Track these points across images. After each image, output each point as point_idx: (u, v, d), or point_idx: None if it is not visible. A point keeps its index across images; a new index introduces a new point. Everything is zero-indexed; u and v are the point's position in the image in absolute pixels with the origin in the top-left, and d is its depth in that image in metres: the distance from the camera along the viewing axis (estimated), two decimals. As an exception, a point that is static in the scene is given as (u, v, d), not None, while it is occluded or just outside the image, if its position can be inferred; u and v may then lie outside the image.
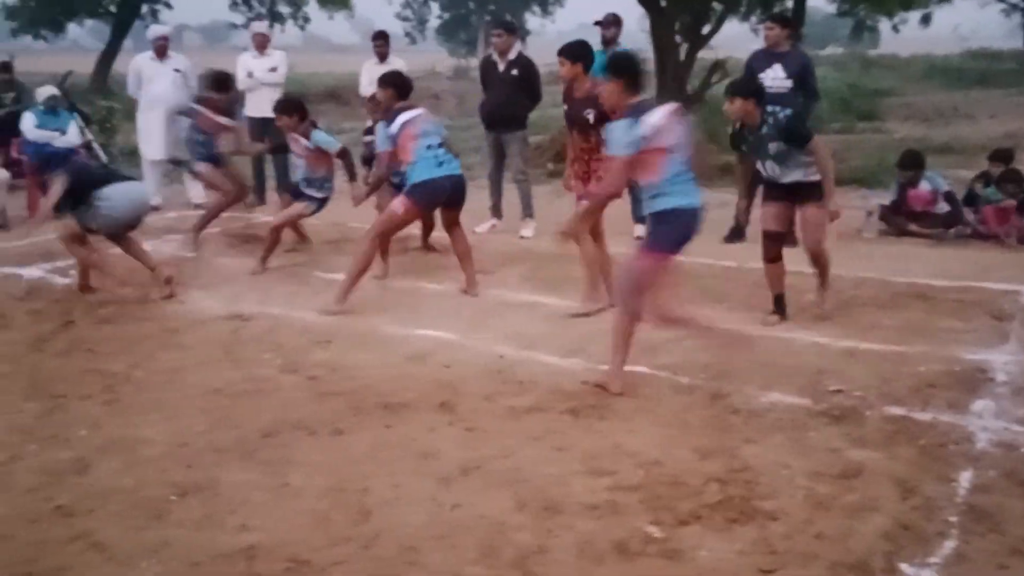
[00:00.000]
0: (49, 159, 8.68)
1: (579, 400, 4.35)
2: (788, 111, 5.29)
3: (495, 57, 8.32)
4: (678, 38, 13.62)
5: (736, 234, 7.65)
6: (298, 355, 4.97)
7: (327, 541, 3.15)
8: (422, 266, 7.04)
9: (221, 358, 5.00)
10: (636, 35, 19.38)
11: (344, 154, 6.71)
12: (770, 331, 5.36)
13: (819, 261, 5.58)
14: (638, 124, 4.24)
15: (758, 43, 9.01)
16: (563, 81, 5.96)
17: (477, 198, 9.20)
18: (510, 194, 8.46)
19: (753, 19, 18.67)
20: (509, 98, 8.15)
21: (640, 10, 13.40)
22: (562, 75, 5.84)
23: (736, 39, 21.60)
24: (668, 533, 3.18)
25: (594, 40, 6.85)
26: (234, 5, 30.88)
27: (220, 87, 7.78)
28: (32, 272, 6.91)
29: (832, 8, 16.86)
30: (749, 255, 7.09)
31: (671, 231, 4.37)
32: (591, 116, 5.58)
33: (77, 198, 6.01)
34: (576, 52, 5.67)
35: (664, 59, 13.29)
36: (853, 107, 17.89)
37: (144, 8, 27.68)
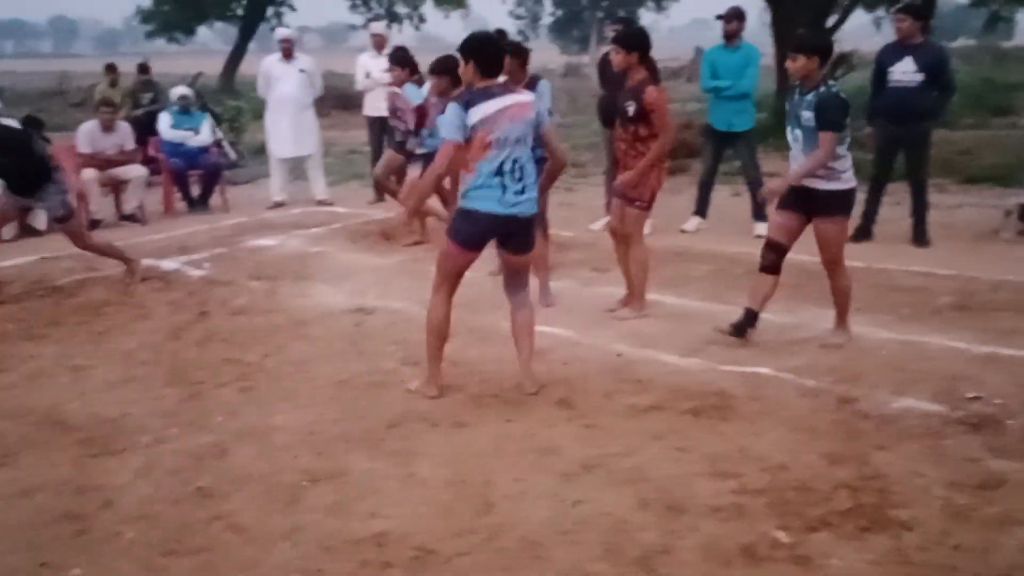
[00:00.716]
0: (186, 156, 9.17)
1: (700, 400, 4.30)
2: (835, 87, 4.86)
3: (613, 53, 8.28)
4: (801, 31, 13.28)
5: (863, 232, 7.42)
6: (420, 349, 5.05)
7: (452, 531, 3.21)
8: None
9: (347, 350, 5.14)
10: (756, 29, 18.97)
11: (421, 109, 7.04)
12: (901, 334, 5.17)
13: (837, 285, 5.09)
14: (467, 110, 4.09)
15: (882, 36, 8.70)
16: (617, 69, 5.68)
17: (594, 195, 9.25)
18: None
19: (880, 11, 18.02)
20: (626, 93, 8.12)
21: (761, 3, 13.11)
22: (616, 64, 5.58)
23: (862, 31, 20.87)
24: (796, 539, 3.12)
25: (712, 36, 6.73)
26: (353, 6, 31.64)
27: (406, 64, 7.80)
28: (169, 264, 7.25)
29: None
30: (879, 254, 6.89)
31: (465, 227, 4.24)
32: (631, 109, 5.37)
33: None
34: (632, 41, 5.47)
35: (786, 54, 12.96)
36: (986, 102, 17.05)
37: (269, 11, 28.67)
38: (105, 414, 4.29)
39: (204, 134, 9.65)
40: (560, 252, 7.22)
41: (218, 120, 12.53)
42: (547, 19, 49.16)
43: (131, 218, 9.11)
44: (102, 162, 8.96)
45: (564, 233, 7.97)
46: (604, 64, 8.52)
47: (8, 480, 3.64)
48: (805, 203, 4.91)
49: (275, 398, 4.47)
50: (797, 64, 4.84)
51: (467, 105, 4.09)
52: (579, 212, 9.09)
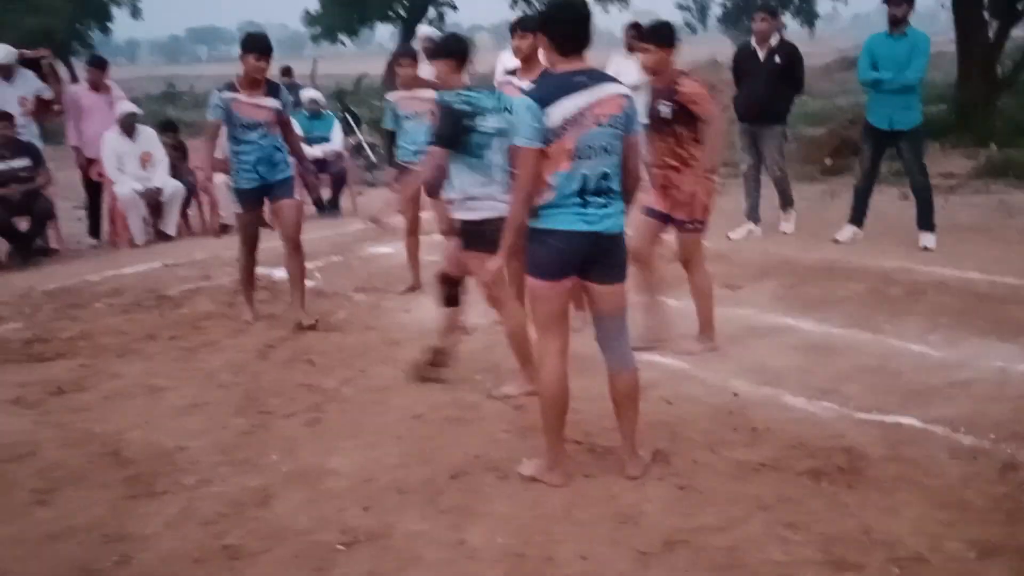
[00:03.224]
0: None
1: (823, 459, 3.58)
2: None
3: (754, 44, 7.53)
4: (986, 14, 11.88)
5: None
6: (511, 378, 4.54)
7: (493, 623, 2.69)
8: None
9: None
10: (937, 13, 17.34)
11: None
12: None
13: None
14: (544, 108, 3.27)
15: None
16: (647, 71, 4.79)
17: (736, 199, 8.48)
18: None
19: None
20: (769, 89, 7.37)
21: (940, -16, 11.84)
22: (646, 64, 4.71)
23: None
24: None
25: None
26: (513, 3, 31.44)
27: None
28: (281, 273, 7.04)
29: None
30: None
31: (542, 253, 3.38)
32: (667, 111, 4.62)
33: None
34: (664, 35, 4.67)
35: (969, 40, 11.65)
36: None
37: (431, 11, 28.89)
38: (162, 446, 4.01)
39: (335, 139, 9.50)
40: (688, 265, 6.54)
41: (358, 122, 12.48)
42: (716, 9, 47.46)
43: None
44: (232, 167, 8.93)
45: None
46: (743, 58, 7.76)
47: (42, 521, 3.39)
48: None
49: (340, 434, 4.07)
50: None
51: (544, 101, 3.22)
52: (719, 217, 8.31)
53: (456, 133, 4.06)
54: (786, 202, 7.77)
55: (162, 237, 8.66)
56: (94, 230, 8.87)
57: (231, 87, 5.48)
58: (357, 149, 11.57)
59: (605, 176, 3.32)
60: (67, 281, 7.13)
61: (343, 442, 3.98)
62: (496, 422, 4.11)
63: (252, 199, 5.71)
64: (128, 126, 8.47)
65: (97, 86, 8.77)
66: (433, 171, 4.25)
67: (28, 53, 9.05)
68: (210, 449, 3.96)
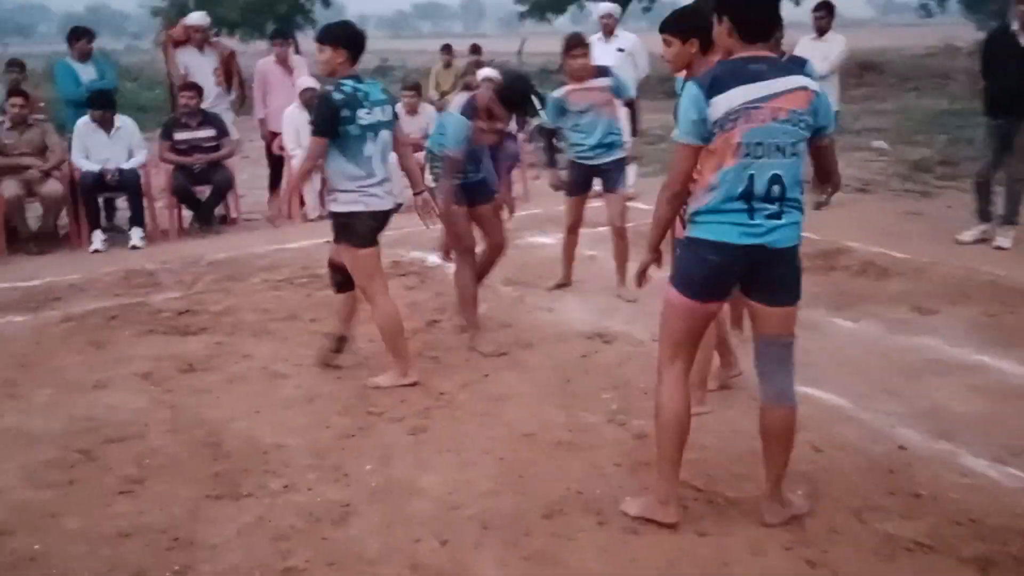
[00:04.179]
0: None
1: (999, 544, 2.91)
2: None
3: (1015, 27, 6.52)
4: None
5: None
6: (639, 400, 4.08)
7: None
8: (837, 293, 5.65)
9: (555, 390, 4.31)
10: None
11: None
12: None
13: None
14: (709, 97, 2.83)
15: None
16: (671, 69, 3.82)
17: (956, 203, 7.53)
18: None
19: None
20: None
21: None
22: (668, 58, 3.65)
23: None
24: None
25: None
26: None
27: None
28: (435, 259, 6.85)
29: None
30: None
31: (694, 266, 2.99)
32: None
33: None
34: (687, 25, 3.58)
35: None
36: None
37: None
38: (260, 441, 3.85)
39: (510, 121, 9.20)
40: (874, 280, 5.77)
41: (544, 104, 12.13)
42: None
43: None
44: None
45: (893, 253, 6.44)
46: (998, 43, 6.79)
47: (118, 515, 3.29)
48: None
49: (441, 446, 3.76)
50: None
51: (711, 90, 2.80)
52: (925, 225, 7.40)
53: (334, 123, 4.04)
54: (1009, 215, 6.76)
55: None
56: (273, 202, 9.05)
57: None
58: (539, 131, 11.25)
59: (777, 179, 2.84)
60: (234, 252, 7.26)
61: (441, 457, 3.67)
62: (609, 451, 3.66)
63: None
64: (308, 100, 8.53)
65: (284, 60, 8.91)
66: (312, 161, 4.20)
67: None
68: (305, 450, 3.75)
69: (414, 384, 4.33)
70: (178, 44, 8.66)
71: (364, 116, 4.08)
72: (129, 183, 7.73)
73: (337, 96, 4.04)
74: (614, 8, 9.39)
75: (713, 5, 2.94)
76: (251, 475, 3.55)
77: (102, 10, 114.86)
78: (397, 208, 4.46)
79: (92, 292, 6.22)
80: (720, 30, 2.91)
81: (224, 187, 8.27)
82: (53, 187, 7.56)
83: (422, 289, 6.10)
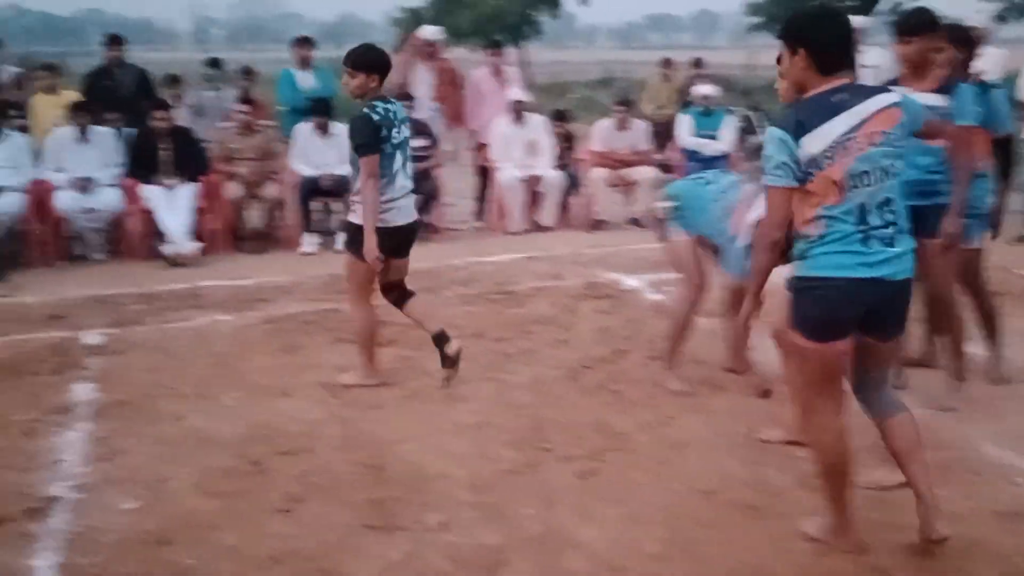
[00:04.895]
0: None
1: None
2: None
3: None
4: None
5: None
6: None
7: None
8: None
9: (742, 443, 3.89)
10: None
11: None
12: None
13: None
14: (798, 138, 2.72)
15: None
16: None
17: None
18: None
19: None
20: None
21: None
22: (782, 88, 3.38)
23: None
24: None
25: None
26: None
27: None
28: (631, 282, 6.55)
29: None
30: None
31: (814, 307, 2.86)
32: None
33: None
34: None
35: None
36: None
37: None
38: (424, 469, 3.71)
39: (724, 139, 8.74)
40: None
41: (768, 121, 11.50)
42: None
43: (636, 222, 8.62)
44: (613, 161, 8.61)
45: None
46: None
47: (272, 536, 3.23)
48: None
49: (609, 495, 3.46)
50: None
51: (798, 131, 2.69)
52: None
53: (377, 141, 4.23)
54: None
55: (539, 227, 8.58)
56: (480, 213, 9.07)
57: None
58: (756, 151, 10.65)
59: (887, 203, 2.76)
60: (433, 263, 7.26)
61: (608, 507, 3.37)
62: (798, 522, 3.22)
63: None
64: (517, 112, 8.47)
65: (497, 71, 8.90)
66: (376, 178, 4.26)
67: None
68: (468, 484, 3.57)
69: (379, 385, 4.54)
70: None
71: (395, 135, 4.32)
72: (343, 188, 7.95)
73: (376, 116, 4.24)
74: (863, 21, 8.63)
75: (785, 38, 2.82)
76: (409, 506, 3.41)
77: (350, 19, 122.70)
78: (415, 224, 4.62)
79: (295, 295, 6.39)
80: (794, 63, 2.79)
81: (431, 196, 8.35)
82: (272, 190, 7.91)
83: (614, 314, 5.81)
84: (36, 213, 7.46)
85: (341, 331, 5.49)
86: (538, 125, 8.63)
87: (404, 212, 4.45)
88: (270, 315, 5.85)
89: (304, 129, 7.98)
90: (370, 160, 4.25)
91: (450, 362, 4.53)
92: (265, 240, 8.01)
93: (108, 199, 7.57)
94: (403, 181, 4.41)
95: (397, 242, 4.47)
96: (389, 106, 4.33)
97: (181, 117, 8.21)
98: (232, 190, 7.78)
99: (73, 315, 5.98)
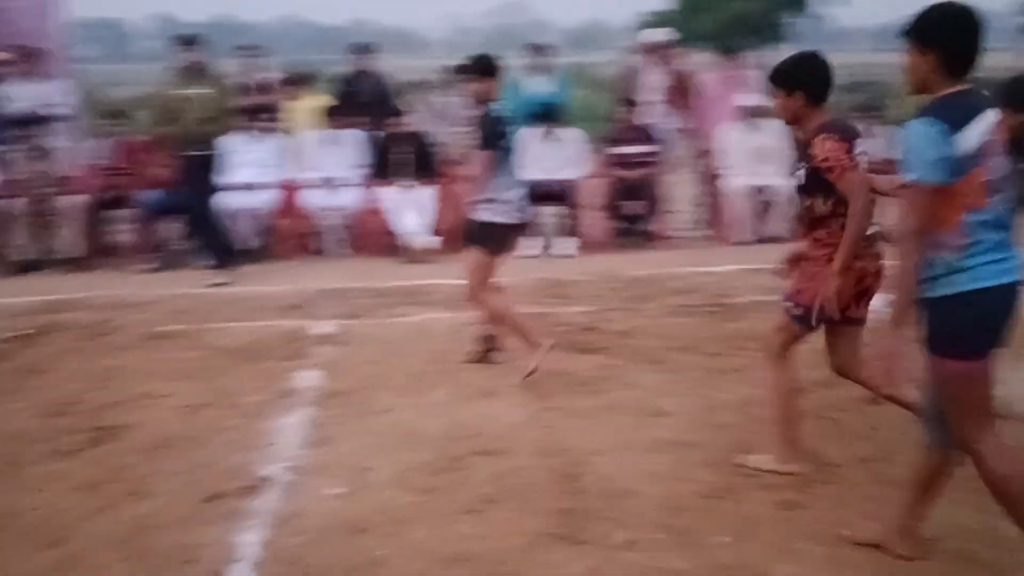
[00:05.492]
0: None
1: None
2: None
3: None
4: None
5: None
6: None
7: None
8: None
9: (975, 486, 3.49)
10: None
11: None
12: None
13: None
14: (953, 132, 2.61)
15: None
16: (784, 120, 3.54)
17: None
18: None
19: None
20: None
21: None
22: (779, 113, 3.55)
23: None
24: None
25: None
26: None
27: None
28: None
29: None
30: None
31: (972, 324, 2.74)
32: (801, 174, 3.42)
33: None
34: (790, 76, 3.44)
35: None
36: None
37: None
38: (618, 483, 3.62)
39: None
40: None
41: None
42: None
43: (881, 236, 8.03)
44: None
45: None
46: None
47: (461, 535, 3.26)
48: None
49: (811, 533, 3.21)
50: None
51: (955, 125, 2.57)
52: None
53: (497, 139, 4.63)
54: None
55: (767, 238, 8.22)
56: (705, 222, 8.82)
57: None
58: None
59: (1010, 211, 2.74)
60: (653, 270, 7.16)
61: (809, 545, 3.13)
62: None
63: None
64: (747, 118, 8.16)
65: (730, 76, 8.62)
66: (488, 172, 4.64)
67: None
68: (660, 503, 3.45)
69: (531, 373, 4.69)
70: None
71: (511, 135, 4.75)
72: (564, 193, 8.00)
73: (499, 117, 4.68)
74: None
75: (916, 36, 2.68)
76: (598, 520, 3.34)
77: (596, 25, 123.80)
78: (524, 225, 4.91)
79: (511, 297, 6.47)
80: (922, 63, 2.67)
81: (652, 203, 8.22)
82: (499, 193, 8.08)
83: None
84: (285, 209, 8.08)
85: (552, 335, 5.50)
86: (772, 131, 8.26)
87: (517, 212, 4.79)
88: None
89: (527, 134, 8.09)
90: (488, 155, 4.64)
91: (482, 357, 5.03)
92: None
93: (350, 198, 8.05)
94: (515, 181, 4.82)
95: (507, 237, 4.85)
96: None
97: (423, 121, 8.57)
98: (466, 192, 8.02)
99: (308, 306, 6.40)
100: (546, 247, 7.94)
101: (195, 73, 7.21)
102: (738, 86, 8.53)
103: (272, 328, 5.82)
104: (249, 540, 3.26)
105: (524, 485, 3.63)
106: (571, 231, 8.03)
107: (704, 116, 8.61)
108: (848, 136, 3.32)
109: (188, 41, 7.26)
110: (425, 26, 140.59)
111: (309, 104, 8.65)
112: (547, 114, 8.09)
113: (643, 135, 8.23)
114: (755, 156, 8.18)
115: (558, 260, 7.69)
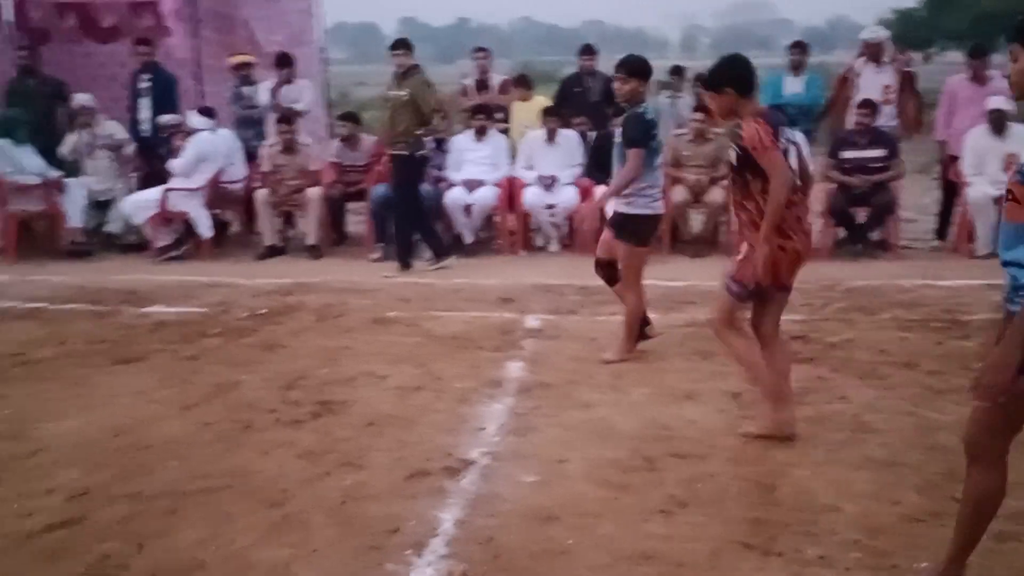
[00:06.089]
0: None
1: None
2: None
3: None
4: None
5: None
6: None
7: None
8: None
9: None
10: None
11: None
12: None
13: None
14: None
15: None
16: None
17: None
18: None
19: None
20: None
21: None
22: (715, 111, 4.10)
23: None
24: None
25: None
26: None
27: None
28: None
29: None
30: None
31: None
32: (733, 155, 3.89)
33: None
34: (718, 76, 3.97)
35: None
36: None
37: None
38: (816, 498, 3.49)
39: None
40: None
41: None
42: None
43: None
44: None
45: None
46: None
47: (649, 534, 3.27)
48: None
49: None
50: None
51: None
52: None
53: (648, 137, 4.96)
54: None
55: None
56: (941, 232, 8.29)
57: None
58: None
59: None
60: (876, 281, 6.84)
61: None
62: None
63: None
64: (997, 123, 7.56)
65: (979, 78, 8.02)
66: (637, 171, 4.92)
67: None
68: (859, 523, 3.30)
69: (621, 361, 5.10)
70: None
71: (658, 135, 5.04)
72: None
73: (649, 116, 4.96)
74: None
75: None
76: (790, 533, 3.25)
77: (841, 23, 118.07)
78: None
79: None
80: None
81: (885, 211, 7.82)
82: (717, 196, 7.96)
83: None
84: (506, 206, 8.36)
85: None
86: (1020, 138, 7.61)
87: (660, 204, 5.17)
88: (694, 319, 5.91)
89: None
90: (637, 153, 4.90)
91: (644, 337, 5.27)
92: (705, 245, 8.11)
93: (567, 196, 8.22)
94: (659, 176, 5.21)
95: (655, 229, 5.27)
96: (651, 108, 5.06)
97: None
98: (677, 194, 7.98)
99: (521, 299, 6.60)
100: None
101: (403, 76, 7.58)
102: (986, 88, 7.91)
103: (485, 319, 6.07)
104: (447, 518, 3.43)
105: (717, 491, 3.60)
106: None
107: (947, 120, 8.07)
108: (774, 123, 3.83)
109: (396, 45, 7.65)
110: (660, 26, 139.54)
111: (536, 104, 8.89)
112: (797, 115, 7.85)
113: (874, 138, 7.82)
114: (1002, 164, 7.56)
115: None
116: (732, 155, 3.91)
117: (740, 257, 3.97)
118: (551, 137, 8.36)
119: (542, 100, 9.08)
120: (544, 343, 5.58)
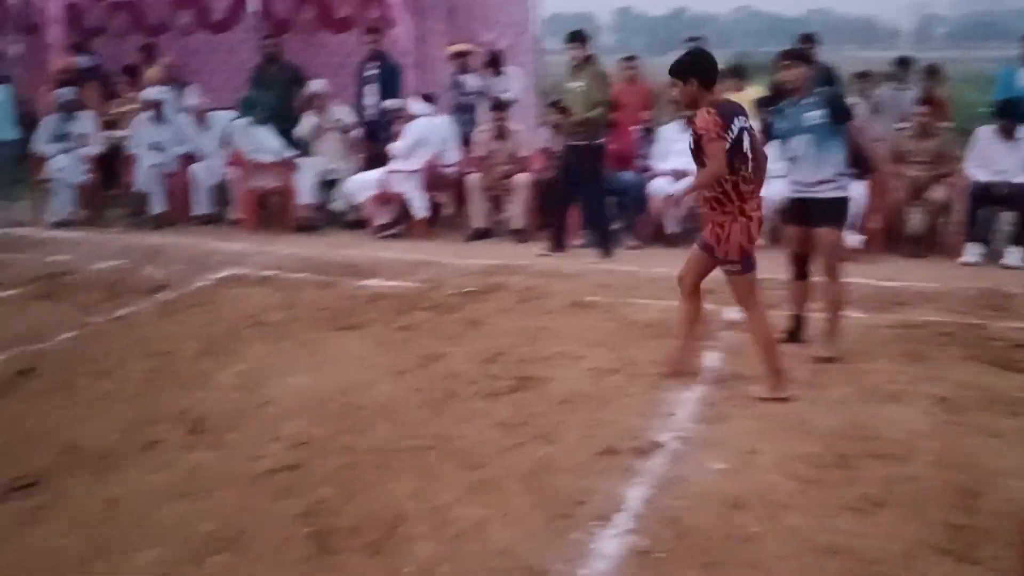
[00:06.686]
0: None
1: None
2: None
3: None
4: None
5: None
6: None
7: None
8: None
9: None
10: None
11: None
12: None
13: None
14: None
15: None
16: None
17: None
18: None
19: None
20: None
21: None
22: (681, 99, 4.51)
23: None
24: None
25: None
26: None
27: None
28: None
29: None
30: None
31: None
32: (691, 141, 4.42)
33: None
34: (685, 67, 4.39)
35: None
36: None
37: None
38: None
39: None
40: None
41: None
42: None
43: None
44: None
45: None
46: None
47: (838, 529, 3.24)
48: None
49: None
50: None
51: None
52: None
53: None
54: None
55: None
56: None
57: None
58: None
59: None
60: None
61: None
62: None
63: None
64: None
65: None
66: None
67: None
68: None
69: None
70: None
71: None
72: (1018, 197, 7.24)
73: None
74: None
75: None
76: (992, 541, 3.13)
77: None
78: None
79: (938, 304, 6.08)
80: None
81: None
82: (940, 193, 7.54)
83: None
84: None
85: (978, 348, 5.11)
86: None
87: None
88: (905, 320, 5.68)
89: (985, 132, 7.43)
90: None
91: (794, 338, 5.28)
92: (924, 245, 7.70)
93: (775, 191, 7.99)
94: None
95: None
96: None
97: (861, 114, 8.25)
98: (897, 191, 7.62)
99: (721, 291, 6.52)
100: (993, 255, 7.26)
101: (581, 67, 7.64)
102: None
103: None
104: (633, 495, 3.53)
105: (916, 493, 3.49)
106: (1019, 239, 7.24)
107: None
108: (727, 114, 4.23)
109: (573, 37, 7.73)
110: (891, 15, 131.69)
111: (750, 95, 8.71)
112: (1008, 111, 7.35)
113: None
114: None
115: (1004, 270, 7.01)
116: (690, 142, 4.40)
117: (721, 242, 4.41)
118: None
119: (754, 91, 8.88)
120: (742, 335, 5.52)
